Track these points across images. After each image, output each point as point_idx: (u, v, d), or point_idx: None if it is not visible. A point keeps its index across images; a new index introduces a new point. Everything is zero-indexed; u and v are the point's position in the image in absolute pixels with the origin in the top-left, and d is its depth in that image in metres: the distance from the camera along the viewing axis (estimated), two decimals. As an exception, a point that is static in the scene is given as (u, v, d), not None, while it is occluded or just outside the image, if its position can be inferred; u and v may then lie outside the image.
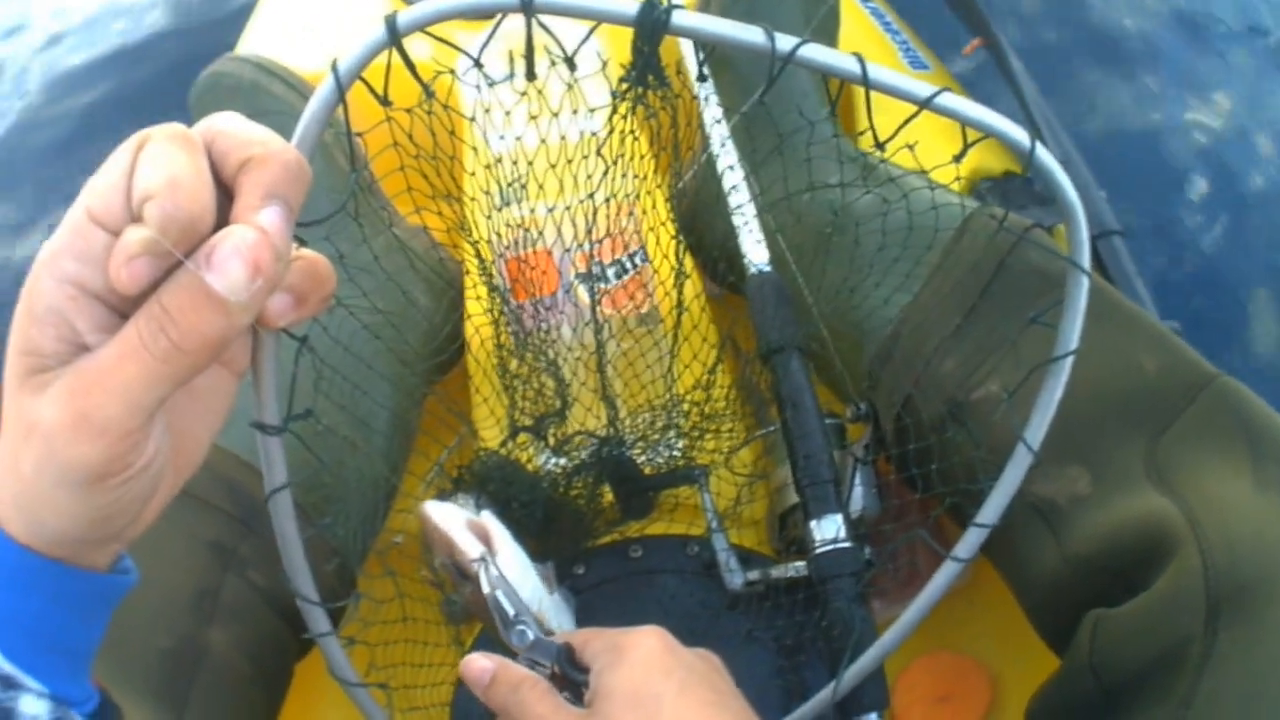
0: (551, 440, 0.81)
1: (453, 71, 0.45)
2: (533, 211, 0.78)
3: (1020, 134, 0.43)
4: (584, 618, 0.72)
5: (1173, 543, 0.56)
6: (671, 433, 0.83)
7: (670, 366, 0.83)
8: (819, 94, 0.88)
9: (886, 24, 1.13)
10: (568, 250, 0.79)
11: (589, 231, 0.75)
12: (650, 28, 0.34)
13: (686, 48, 0.89)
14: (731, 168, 0.80)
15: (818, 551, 0.68)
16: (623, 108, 0.54)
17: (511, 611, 0.57)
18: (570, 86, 0.48)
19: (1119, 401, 0.64)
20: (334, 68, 0.35)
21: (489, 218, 0.78)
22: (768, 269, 0.77)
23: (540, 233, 0.78)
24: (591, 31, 0.38)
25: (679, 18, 0.35)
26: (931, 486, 0.72)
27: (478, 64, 0.39)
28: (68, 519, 0.33)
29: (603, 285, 0.83)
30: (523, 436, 0.82)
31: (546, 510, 0.77)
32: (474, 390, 0.85)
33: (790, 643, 0.73)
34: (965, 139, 0.44)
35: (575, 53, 0.40)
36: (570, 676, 0.53)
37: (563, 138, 0.63)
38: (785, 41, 0.35)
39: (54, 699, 0.35)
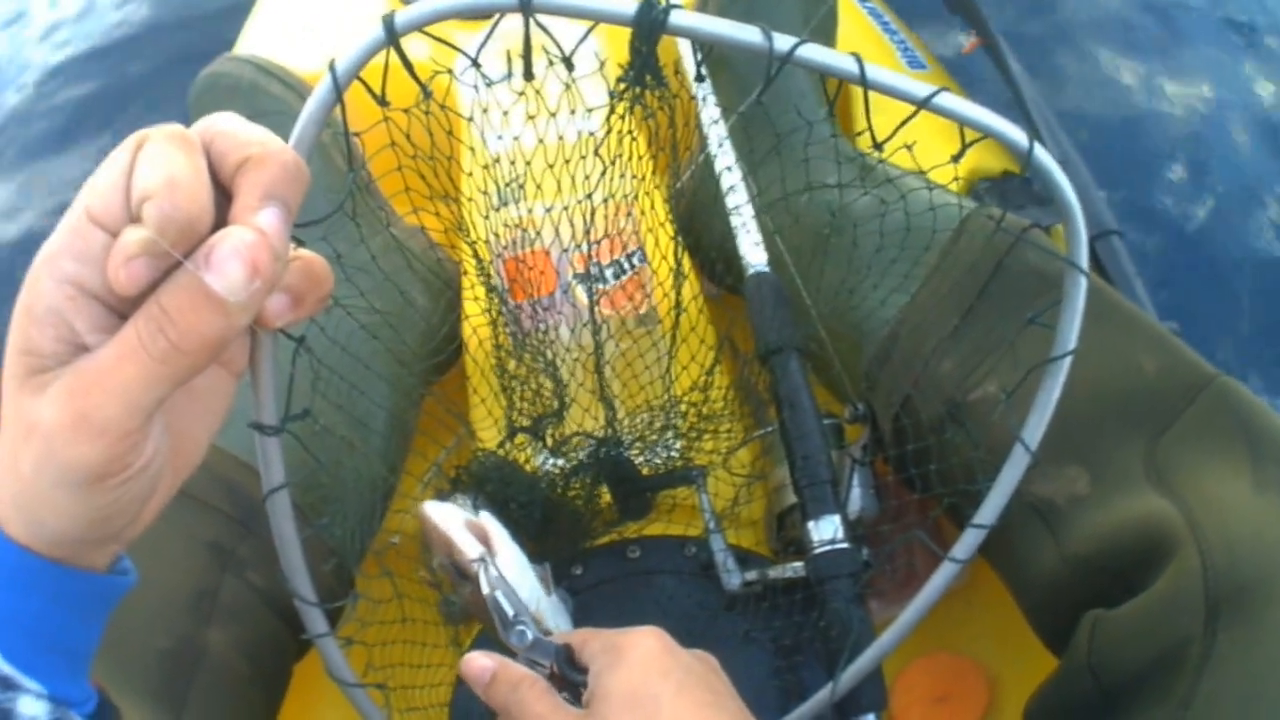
0: (550, 441, 0.81)
1: (450, 71, 0.45)
2: (530, 212, 0.79)
3: (1018, 134, 0.43)
4: (581, 618, 0.72)
5: (1172, 543, 0.56)
6: (669, 433, 0.83)
7: (668, 368, 0.83)
8: (817, 94, 0.88)
9: (885, 24, 1.13)
10: (565, 251, 0.79)
11: (587, 232, 0.75)
12: (648, 27, 0.34)
13: (685, 48, 0.89)
14: (729, 168, 0.80)
15: (816, 552, 0.68)
16: (620, 108, 0.54)
17: (511, 612, 0.57)
18: (568, 87, 0.48)
19: (1118, 402, 0.65)
20: (331, 68, 0.35)
21: (486, 218, 0.78)
22: (766, 270, 0.77)
23: (538, 233, 0.78)
24: (589, 32, 0.38)
25: (676, 17, 0.35)
26: (930, 487, 0.72)
27: (475, 64, 0.39)
28: (67, 519, 0.33)
29: (601, 286, 0.83)
30: (520, 437, 0.82)
31: (544, 511, 0.77)
32: (471, 391, 0.85)
33: (788, 643, 0.73)
34: (963, 139, 0.44)
35: (573, 53, 0.40)
36: (569, 677, 0.53)
37: (560, 138, 0.63)
38: (783, 41, 0.35)
39: (53, 699, 0.35)
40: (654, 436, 0.82)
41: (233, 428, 0.41)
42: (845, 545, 0.68)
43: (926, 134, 0.47)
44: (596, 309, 0.81)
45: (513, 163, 0.73)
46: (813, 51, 0.36)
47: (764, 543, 0.82)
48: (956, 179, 0.73)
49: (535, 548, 0.74)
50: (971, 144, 0.44)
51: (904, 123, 0.40)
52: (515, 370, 0.80)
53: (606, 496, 0.81)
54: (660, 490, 0.82)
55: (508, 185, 0.76)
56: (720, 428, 0.84)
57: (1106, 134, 1.46)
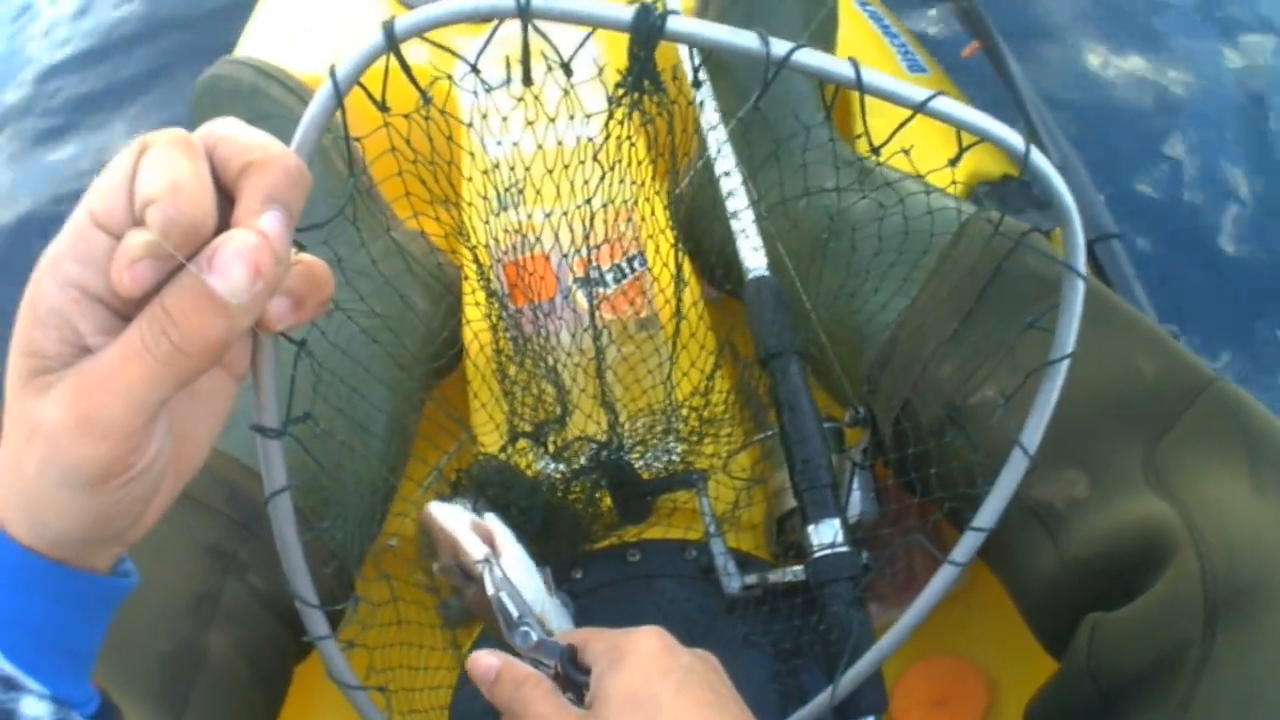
0: (551, 447, 0.82)
1: (450, 77, 0.46)
2: (530, 217, 0.79)
3: (1015, 138, 0.44)
4: (582, 621, 0.73)
5: (1171, 546, 0.57)
6: (670, 437, 0.83)
7: (669, 373, 0.83)
8: (816, 99, 0.89)
9: (885, 27, 1.13)
10: (566, 256, 0.80)
11: (587, 236, 0.76)
12: (645, 33, 0.35)
13: (684, 53, 0.90)
14: (727, 173, 0.80)
15: (815, 556, 0.69)
16: (619, 113, 0.55)
17: (515, 613, 0.57)
18: (566, 92, 0.49)
19: (1117, 405, 0.65)
20: (332, 74, 0.36)
21: (486, 223, 0.79)
22: (766, 274, 0.77)
23: (538, 238, 0.79)
24: (588, 37, 0.38)
25: (674, 23, 0.35)
26: (930, 491, 0.72)
27: (474, 70, 0.39)
28: (70, 519, 0.34)
29: (601, 290, 0.83)
30: (522, 441, 0.82)
31: (545, 515, 0.78)
32: (472, 395, 0.85)
33: (788, 647, 0.73)
34: (960, 143, 0.44)
35: (571, 58, 0.41)
36: (572, 677, 0.53)
37: (559, 143, 0.64)
38: (780, 46, 0.36)
39: (55, 700, 0.36)
40: (655, 441, 0.83)
41: (234, 431, 0.41)
42: (845, 549, 0.68)
43: (926, 138, 0.48)
44: (597, 313, 0.81)
45: (512, 168, 0.73)
46: (809, 56, 0.36)
47: (764, 546, 0.83)
48: (955, 183, 0.74)
49: (535, 551, 0.74)
50: (969, 148, 0.45)
51: (900, 126, 0.41)
52: (516, 375, 0.81)
53: (607, 500, 0.81)
54: (661, 494, 0.82)
55: (507, 190, 0.76)
56: (721, 432, 0.85)
57: (1103, 133, 1.47)
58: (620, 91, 0.46)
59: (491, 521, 0.64)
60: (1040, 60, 1.53)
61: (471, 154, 0.78)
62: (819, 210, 0.82)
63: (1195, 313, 1.25)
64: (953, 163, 0.46)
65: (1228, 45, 1.60)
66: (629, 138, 0.63)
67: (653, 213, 0.82)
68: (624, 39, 0.38)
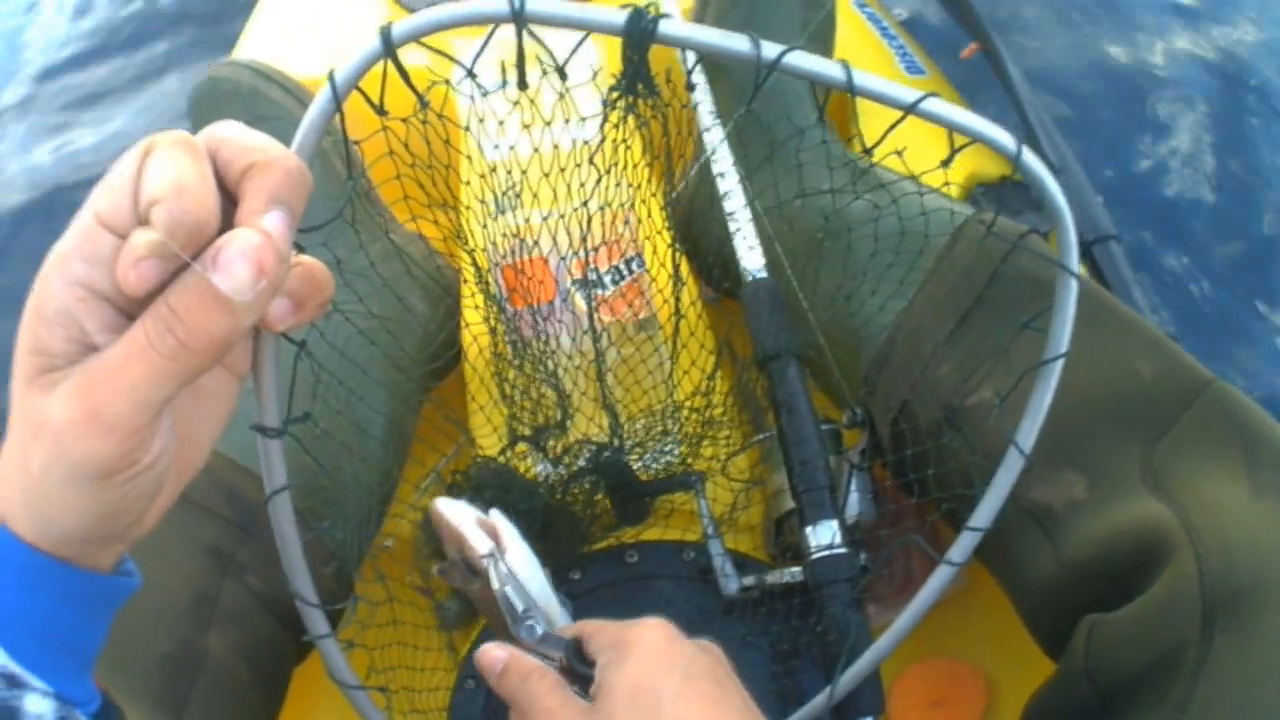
0: (551, 452, 0.82)
1: (447, 81, 0.47)
2: (528, 220, 0.80)
3: (1007, 139, 0.44)
4: (580, 622, 0.73)
5: (1168, 548, 0.57)
6: (668, 439, 0.84)
7: (670, 373, 0.84)
8: (812, 100, 0.90)
9: (883, 29, 1.14)
10: (564, 258, 0.81)
11: (584, 239, 0.76)
12: (638, 37, 0.35)
13: (681, 55, 0.90)
14: (722, 175, 0.81)
15: (813, 557, 0.69)
16: (614, 116, 0.55)
17: (521, 606, 0.58)
18: (561, 96, 0.50)
19: (1114, 407, 0.65)
20: (331, 78, 0.37)
21: (485, 226, 0.80)
22: (763, 275, 0.78)
23: (536, 241, 0.79)
24: (582, 41, 0.39)
25: (666, 27, 0.36)
26: (928, 492, 0.72)
27: (470, 74, 0.40)
28: (75, 516, 0.35)
29: (600, 292, 0.84)
30: (521, 445, 0.83)
31: (543, 517, 0.78)
32: (470, 398, 0.86)
33: (786, 648, 0.74)
34: (951, 144, 0.45)
35: (566, 62, 0.41)
36: (578, 670, 0.54)
37: (555, 146, 0.64)
38: (771, 49, 0.37)
39: (59, 698, 0.36)
40: (654, 442, 0.83)
41: (232, 433, 0.42)
42: (843, 550, 0.69)
43: (923, 140, 0.48)
44: (596, 315, 0.82)
45: (509, 172, 0.74)
46: (800, 59, 0.37)
47: (761, 548, 0.83)
48: (947, 184, 0.75)
49: (535, 551, 0.75)
50: (961, 149, 0.45)
51: (891, 128, 0.42)
52: (515, 379, 0.82)
53: (605, 502, 0.82)
54: (659, 495, 0.83)
55: (505, 194, 0.77)
56: (719, 434, 0.85)
57: (1101, 132, 1.48)
58: (614, 95, 0.47)
59: (496, 518, 0.64)
60: (1036, 56, 1.55)
61: (469, 157, 0.79)
62: (815, 211, 0.82)
63: (1194, 315, 1.26)
64: (945, 163, 0.47)
65: (1222, 39, 1.62)
66: (624, 141, 0.64)
67: (650, 215, 0.83)
68: (619, 43, 0.39)
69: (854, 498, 0.77)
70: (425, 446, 0.86)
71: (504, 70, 0.42)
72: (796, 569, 0.72)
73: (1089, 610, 0.61)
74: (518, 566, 0.61)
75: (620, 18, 0.36)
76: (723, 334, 0.88)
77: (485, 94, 0.44)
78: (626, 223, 0.83)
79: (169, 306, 0.32)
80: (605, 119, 0.57)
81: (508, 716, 0.55)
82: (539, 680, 0.53)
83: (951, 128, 0.42)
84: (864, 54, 1.10)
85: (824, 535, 0.69)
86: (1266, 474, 0.58)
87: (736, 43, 0.36)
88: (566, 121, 0.56)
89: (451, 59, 0.41)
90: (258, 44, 1.17)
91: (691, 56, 0.87)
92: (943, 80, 1.11)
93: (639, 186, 0.78)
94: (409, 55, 0.38)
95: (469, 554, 0.61)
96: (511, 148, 0.68)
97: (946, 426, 0.71)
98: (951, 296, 0.73)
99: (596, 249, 0.80)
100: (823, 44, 0.96)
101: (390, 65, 0.38)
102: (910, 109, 0.39)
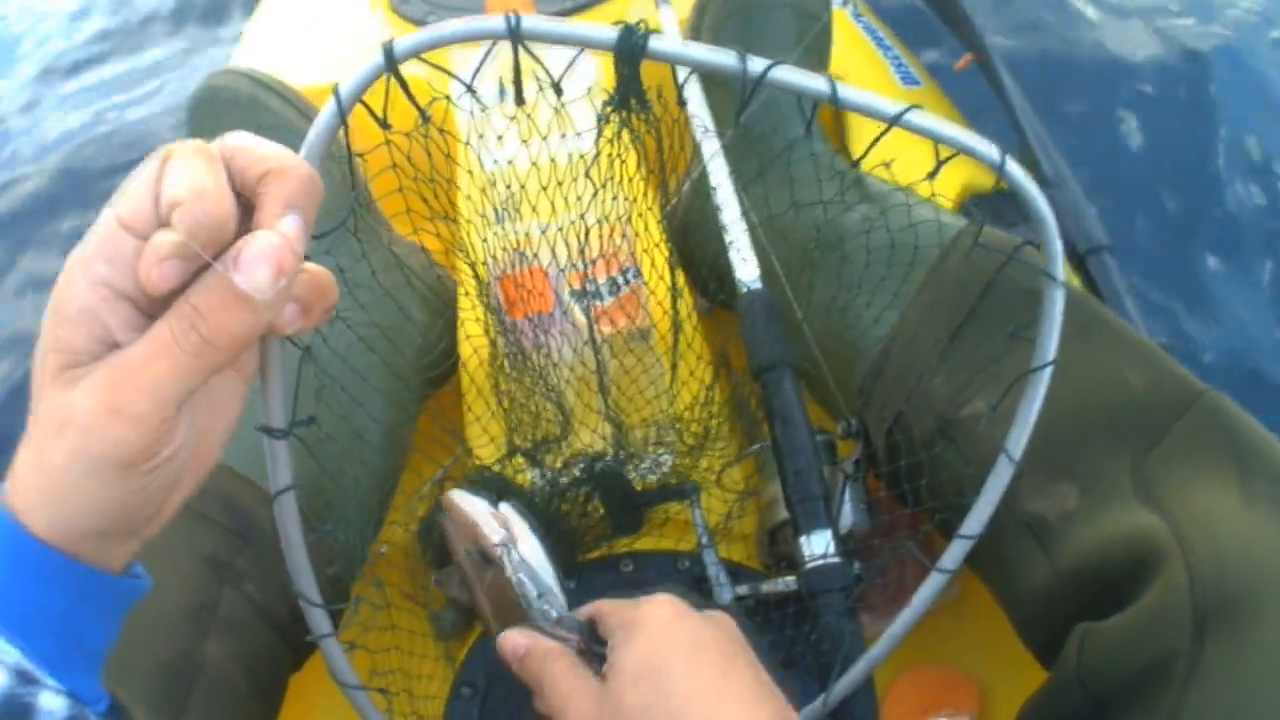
0: (549, 465, 0.84)
1: (448, 97, 0.49)
2: (526, 233, 0.82)
3: (990, 149, 0.47)
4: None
5: (1160, 558, 0.58)
6: (663, 450, 0.86)
7: (671, 383, 0.86)
8: (800, 113, 0.91)
9: (879, 39, 1.17)
10: (562, 270, 0.82)
11: (582, 251, 0.78)
12: (629, 53, 0.38)
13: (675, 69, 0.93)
14: (716, 187, 0.83)
15: (808, 567, 0.70)
16: (609, 130, 0.58)
17: (536, 592, 0.60)
18: (557, 110, 0.52)
19: (1106, 418, 0.66)
20: (335, 92, 0.39)
21: (485, 240, 0.82)
22: (759, 286, 0.79)
23: (534, 253, 0.82)
24: (576, 58, 0.41)
25: (656, 43, 0.38)
26: (922, 502, 0.73)
27: (470, 90, 0.42)
28: (95, 510, 0.37)
29: (597, 303, 0.86)
30: (518, 457, 0.84)
31: (539, 526, 0.80)
32: (467, 408, 0.88)
33: (780, 657, 0.75)
34: (937, 156, 0.47)
35: (561, 77, 0.44)
36: (593, 651, 0.56)
37: (552, 160, 0.66)
38: (757, 64, 0.39)
39: (71, 696, 0.38)
40: (650, 452, 0.85)
41: (230, 442, 0.44)
42: (837, 560, 0.70)
43: (916, 151, 0.50)
44: (594, 326, 0.84)
45: (508, 185, 0.76)
46: (786, 73, 0.39)
47: (755, 557, 0.85)
48: (934, 195, 0.77)
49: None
50: (946, 160, 0.47)
51: (876, 140, 0.44)
52: (513, 390, 0.84)
53: (599, 511, 0.83)
54: (654, 505, 0.85)
55: (503, 206, 0.79)
56: (715, 444, 0.87)
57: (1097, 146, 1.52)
58: (608, 109, 0.49)
59: (508, 511, 0.66)
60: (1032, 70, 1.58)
61: (469, 171, 0.81)
62: (808, 223, 0.84)
63: (1186, 326, 1.28)
64: (931, 175, 0.49)
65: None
66: (619, 156, 0.66)
67: (647, 227, 0.85)
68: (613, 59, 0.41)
69: (847, 508, 0.78)
70: (422, 456, 0.88)
71: (501, 85, 0.45)
72: (790, 578, 0.74)
73: (1081, 618, 0.62)
74: (529, 556, 0.63)
75: (612, 35, 0.38)
76: (718, 345, 0.90)
77: (484, 109, 0.46)
78: (624, 235, 0.85)
79: (192, 305, 0.35)
80: (600, 133, 0.59)
81: None
82: (555, 662, 0.55)
83: (936, 139, 0.44)
84: (859, 65, 1.13)
85: (818, 545, 0.71)
86: (1259, 484, 0.59)
87: (723, 58, 0.39)
88: (563, 136, 0.58)
89: (450, 74, 0.44)
90: (255, 52, 1.20)
91: (683, 71, 0.90)
92: (938, 91, 1.13)
93: (635, 199, 0.80)
94: (408, 68, 0.40)
95: (483, 543, 0.63)
96: (510, 161, 0.70)
97: (940, 437, 0.72)
98: (945, 308, 0.74)
99: (594, 261, 0.82)
100: (818, 55, 0.99)
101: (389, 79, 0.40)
102: (894, 121, 0.41)
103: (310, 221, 0.37)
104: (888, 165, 0.51)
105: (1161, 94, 1.56)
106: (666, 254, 0.83)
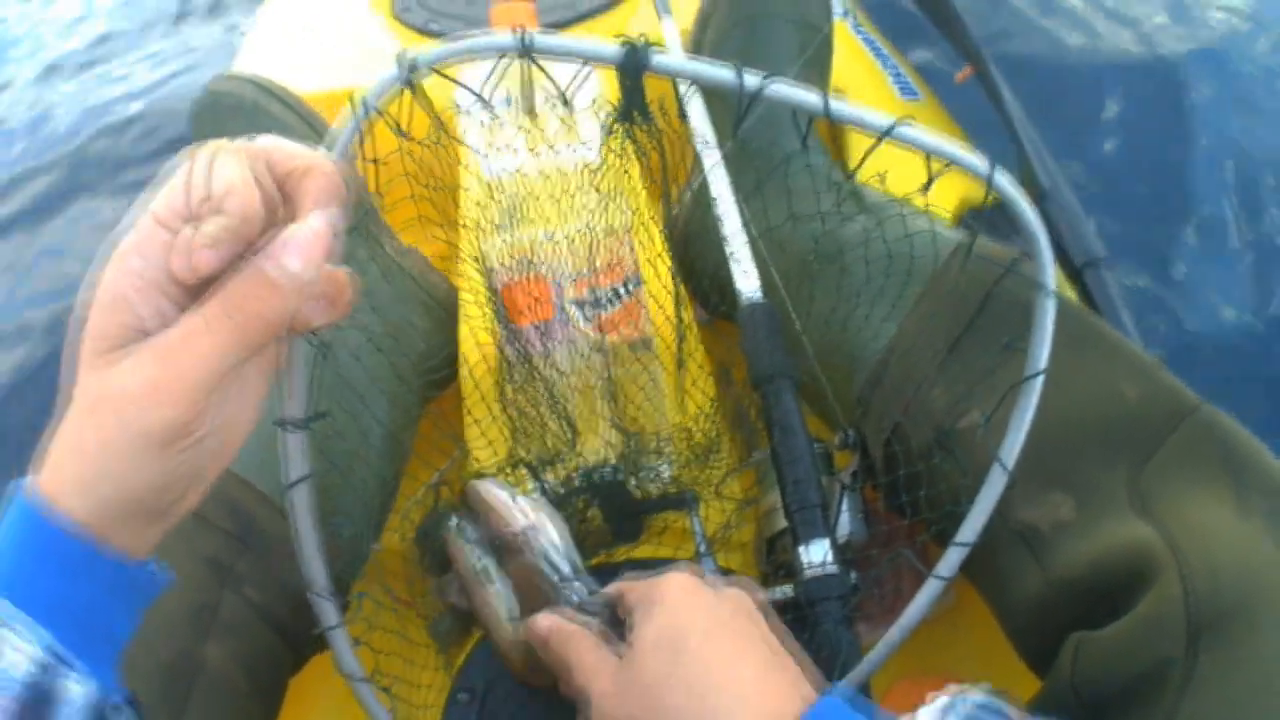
0: (553, 473, 0.87)
1: (459, 107, 0.52)
2: (529, 239, 0.85)
3: (979, 161, 0.50)
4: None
5: (1154, 569, 0.60)
6: (662, 460, 0.89)
7: (679, 394, 0.88)
8: (795, 126, 0.94)
9: (878, 51, 1.20)
10: (563, 278, 0.85)
11: (591, 258, 0.81)
12: (633, 68, 0.41)
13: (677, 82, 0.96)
14: (717, 199, 0.86)
15: (806, 575, 0.72)
16: (614, 142, 0.61)
17: (564, 569, 0.63)
18: (565, 122, 0.55)
19: (1101, 429, 0.68)
20: (353, 101, 0.42)
21: (488, 247, 0.85)
22: (759, 297, 0.82)
23: (536, 260, 0.84)
24: (585, 73, 0.45)
25: (658, 59, 0.42)
26: (919, 513, 0.76)
27: (483, 101, 0.46)
28: (129, 488, 0.40)
29: (599, 312, 0.88)
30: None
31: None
32: (467, 412, 0.90)
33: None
34: (929, 169, 0.50)
35: (568, 89, 0.47)
36: (615, 628, 0.59)
37: (561, 171, 0.69)
38: (754, 78, 0.42)
39: (96, 682, 0.41)
40: (649, 461, 0.88)
41: None
42: (835, 569, 0.72)
43: (913, 164, 0.53)
44: (593, 335, 0.87)
45: (514, 193, 0.80)
46: (781, 88, 0.43)
47: (753, 565, 0.87)
48: (930, 207, 0.80)
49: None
50: (939, 173, 0.51)
51: (867, 154, 0.47)
52: (514, 396, 0.86)
53: (598, 519, 0.86)
54: (653, 514, 0.87)
55: (508, 213, 0.82)
56: (717, 455, 0.90)
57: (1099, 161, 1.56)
58: (612, 121, 0.52)
59: (530, 500, 0.70)
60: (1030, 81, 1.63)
61: (477, 179, 0.84)
62: (807, 235, 0.86)
63: (1182, 338, 1.32)
64: (925, 188, 0.52)
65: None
66: (625, 169, 0.69)
67: (648, 237, 0.88)
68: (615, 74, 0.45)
69: (845, 518, 0.81)
70: (420, 462, 0.91)
71: (509, 95, 0.48)
72: (788, 587, 0.75)
73: (1075, 628, 0.64)
74: (553, 542, 0.66)
75: (617, 50, 0.42)
76: (717, 356, 0.93)
77: (497, 119, 0.50)
78: (626, 243, 0.88)
79: (230, 291, 0.39)
80: (605, 144, 0.62)
81: None
82: (579, 642, 0.58)
83: (926, 151, 0.48)
84: (859, 76, 1.16)
85: (816, 554, 0.73)
86: (1253, 497, 0.61)
87: (721, 73, 0.42)
88: (567, 147, 0.62)
89: (466, 87, 0.47)
90: (257, 57, 1.24)
91: (684, 84, 0.93)
92: (936, 103, 1.16)
93: (637, 209, 0.83)
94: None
95: (508, 530, 0.66)
96: (516, 170, 0.73)
97: (938, 448, 0.75)
98: (943, 320, 0.77)
99: (595, 269, 0.85)
100: (819, 67, 1.01)
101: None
102: (885, 134, 0.44)
103: (338, 217, 0.41)
104: (881, 177, 0.54)
105: (1139, 97, 1.63)
106: (668, 264, 0.86)
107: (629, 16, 1.22)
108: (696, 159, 0.89)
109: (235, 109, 0.93)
